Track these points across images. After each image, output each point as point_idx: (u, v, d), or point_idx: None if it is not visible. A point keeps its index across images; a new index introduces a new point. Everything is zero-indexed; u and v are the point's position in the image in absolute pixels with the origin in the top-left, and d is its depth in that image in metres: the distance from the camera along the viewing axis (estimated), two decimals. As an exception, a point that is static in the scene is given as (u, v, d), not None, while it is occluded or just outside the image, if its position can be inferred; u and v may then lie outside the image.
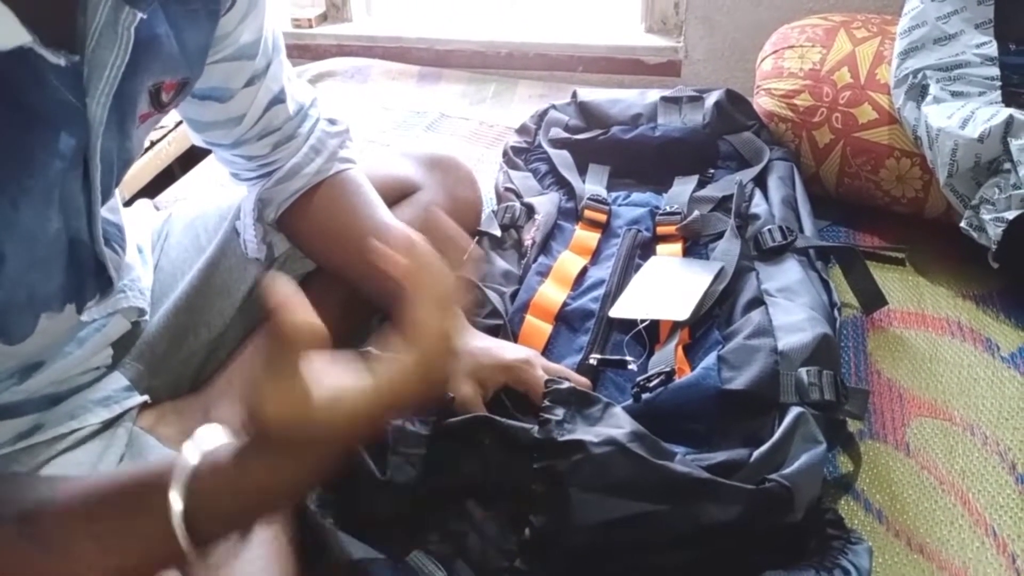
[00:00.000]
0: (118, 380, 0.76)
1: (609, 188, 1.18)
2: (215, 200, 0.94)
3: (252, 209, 0.85)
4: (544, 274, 1.00)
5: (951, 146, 1.04)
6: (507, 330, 0.90)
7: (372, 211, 0.87)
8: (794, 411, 0.73)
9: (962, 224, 1.04)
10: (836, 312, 0.93)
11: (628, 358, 0.88)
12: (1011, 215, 0.97)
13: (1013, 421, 0.87)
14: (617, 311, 0.92)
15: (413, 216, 0.95)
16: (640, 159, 1.20)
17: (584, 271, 1.02)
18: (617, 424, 0.69)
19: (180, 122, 1.56)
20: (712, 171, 1.18)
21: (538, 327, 0.93)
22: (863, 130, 1.18)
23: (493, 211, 1.11)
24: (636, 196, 1.15)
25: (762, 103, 1.27)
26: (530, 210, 1.10)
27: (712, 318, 0.91)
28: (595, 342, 0.91)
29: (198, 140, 0.84)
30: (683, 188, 1.14)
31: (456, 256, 0.51)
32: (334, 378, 0.46)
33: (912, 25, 1.16)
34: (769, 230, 0.99)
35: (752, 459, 0.69)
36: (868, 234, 1.19)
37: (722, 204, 1.08)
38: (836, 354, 0.84)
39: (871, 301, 1.01)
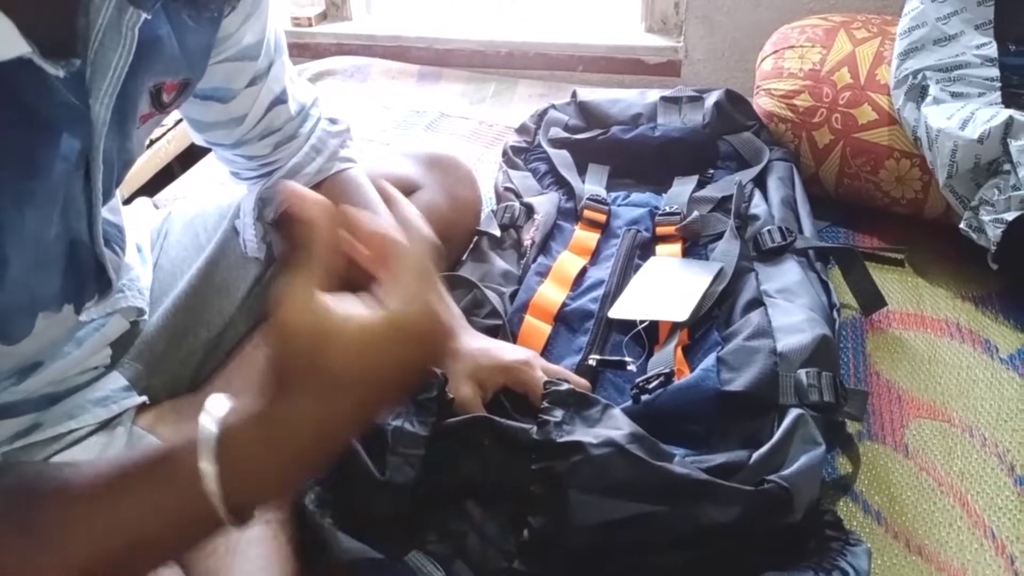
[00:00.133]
0: (117, 380, 0.76)
1: (609, 188, 1.18)
2: (215, 199, 0.94)
3: (252, 208, 0.85)
4: (543, 274, 1.00)
5: (951, 147, 1.04)
6: (506, 330, 0.90)
7: (372, 210, 0.87)
8: (793, 412, 0.73)
9: (961, 225, 1.04)
10: (835, 313, 0.93)
11: (627, 359, 0.88)
12: (1010, 216, 0.97)
13: (1012, 423, 0.87)
14: (616, 312, 0.92)
15: (413, 215, 0.95)
16: (640, 159, 1.20)
17: (583, 271, 1.02)
18: (616, 425, 0.69)
19: (180, 121, 1.56)
20: (712, 171, 1.18)
21: (537, 327, 0.93)
22: (863, 131, 1.18)
23: (492, 211, 1.11)
24: (635, 196, 1.15)
25: (762, 103, 1.27)
26: (529, 210, 1.09)
27: (711, 319, 0.91)
28: (594, 343, 0.91)
29: (199, 140, 0.84)
30: (683, 188, 1.14)
31: (418, 239, 0.49)
32: (345, 305, 0.44)
33: (912, 26, 1.16)
34: (768, 231, 1.00)
35: (751, 460, 0.70)
36: (867, 235, 1.19)
37: (722, 204, 1.08)
38: (835, 355, 0.84)
39: (870, 302, 1.01)
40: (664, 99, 1.26)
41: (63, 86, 0.51)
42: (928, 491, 0.81)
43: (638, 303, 0.93)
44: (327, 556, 0.68)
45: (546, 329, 0.93)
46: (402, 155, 1.04)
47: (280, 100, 0.81)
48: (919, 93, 1.12)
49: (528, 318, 0.94)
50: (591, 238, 1.08)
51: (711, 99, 1.24)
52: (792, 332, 0.81)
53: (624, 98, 1.28)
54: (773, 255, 0.97)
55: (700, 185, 1.15)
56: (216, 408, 0.46)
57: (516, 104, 1.67)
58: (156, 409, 0.77)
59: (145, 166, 1.51)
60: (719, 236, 1.02)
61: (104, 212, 0.65)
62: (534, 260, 1.03)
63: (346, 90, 1.75)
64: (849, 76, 1.21)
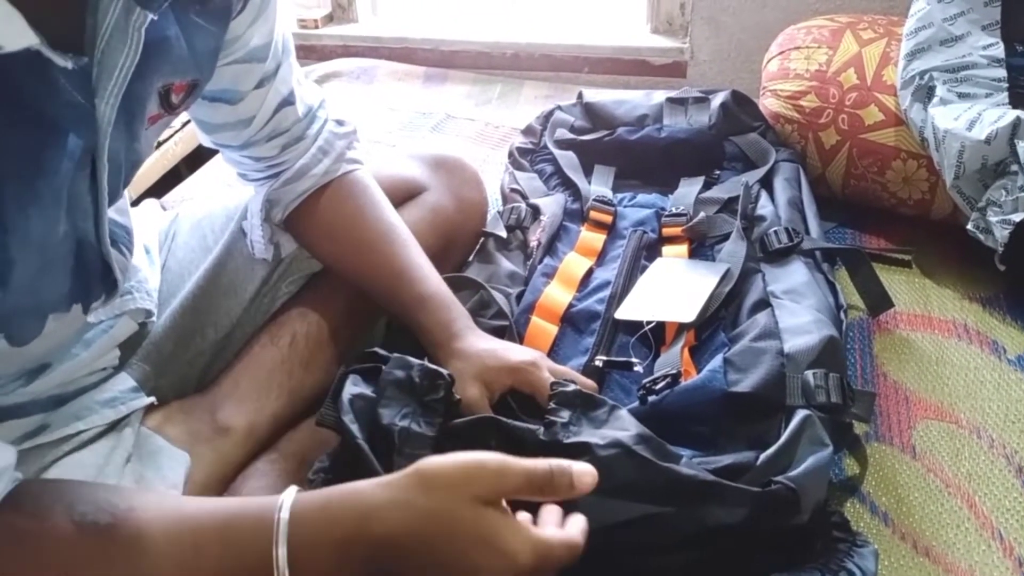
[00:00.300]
0: (124, 381, 0.77)
1: (615, 189, 1.18)
2: (222, 200, 0.94)
3: (259, 209, 0.85)
4: (550, 275, 1.00)
5: (958, 148, 1.04)
6: (513, 331, 0.90)
7: (379, 212, 0.87)
8: (800, 414, 0.73)
9: (969, 226, 1.04)
10: (842, 314, 0.93)
11: (634, 360, 0.88)
12: (1018, 217, 0.97)
13: (1020, 424, 0.87)
14: (623, 313, 0.92)
15: (419, 217, 0.95)
16: (646, 160, 1.20)
17: (590, 272, 1.02)
18: (623, 426, 0.69)
19: (187, 122, 1.56)
20: (718, 172, 1.18)
21: (544, 328, 0.93)
22: (869, 131, 1.18)
23: (499, 212, 1.11)
24: (642, 197, 1.16)
25: (768, 104, 1.27)
26: (536, 211, 1.10)
27: (718, 320, 0.91)
28: (601, 344, 0.91)
29: (207, 141, 0.84)
30: (689, 189, 1.14)
31: None
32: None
33: (918, 27, 1.16)
34: (775, 232, 0.99)
35: (758, 462, 0.69)
36: (874, 236, 1.19)
37: (728, 205, 1.08)
38: (842, 356, 0.84)
39: (877, 303, 1.01)
40: (670, 100, 1.26)
41: (69, 85, 0.51)
42: (935, 492, 0.81)
43: (644, 304, 0.93)
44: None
45: (552, 330, 0.93)
46: (408, 156, 1.04)
47: (288, 102, 0.81)
48: (926, 94, 1.11)
49: (534, 319, 0.94)
50: (597, 239, 1.08)
51: (717, 100, 1.24)
52: (799, 333, 0.81)
53: (630, 99, 1.28)
54: (780, 256, 0.97)
55: (706, 186, 1.15)
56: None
57: (522, 105, 1.67)
58: (164, 410, 0.78)
59: (152, 168, 1.52)
60: (725, 237, 1.02)
61: (111, 213, 0.65)
62: (540, 261, 1.03)
63: (352, 92, 1.75)
64: (855, 77, 1.21)
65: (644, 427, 0.69)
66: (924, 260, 1.12)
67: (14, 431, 0.68)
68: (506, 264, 1.01)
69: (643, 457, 0.65)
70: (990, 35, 1.11)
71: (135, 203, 0.98)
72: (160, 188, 1.47)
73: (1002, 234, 0.98)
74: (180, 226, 0.92)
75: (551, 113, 1.30)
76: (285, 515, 0.51)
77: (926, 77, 1.12)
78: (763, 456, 0.70)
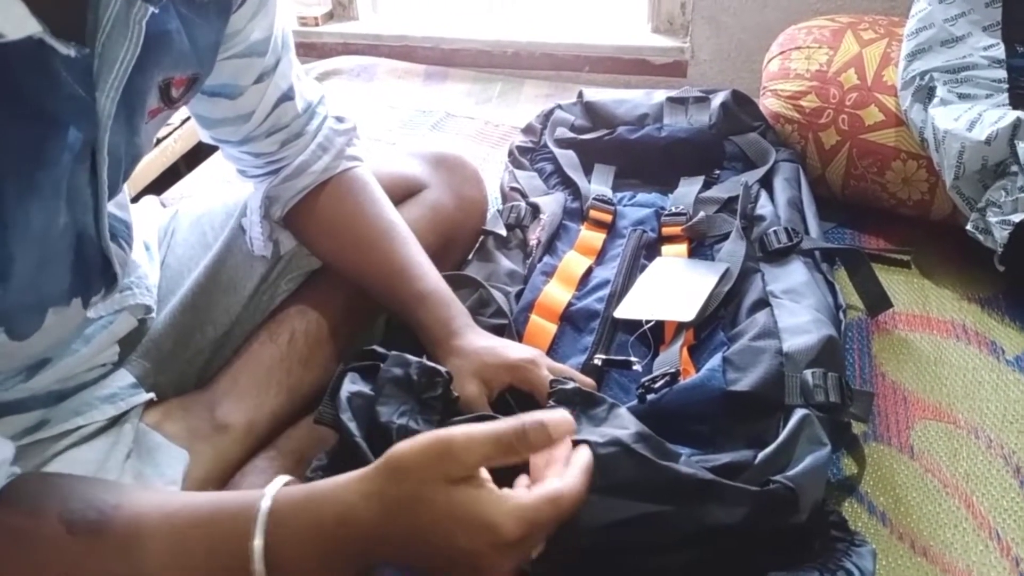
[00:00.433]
0: (124, 377, 0.77)
1: (615, 188, 1.18)
2: (221, 197, 0.94)
3: (259, 206, 0.85)
4: (549, 274, 1.00)
5: (958, 148, 1.04)
6: (512, 330, 0.90)
7: (379, 209, 0.87)
8: (799, 413, 0.73)
9: (968, 227, 1.04)
10: (841, 314, 0.93)
11: (633, 359, 0.88)
12: (1017, 218, 0.97)
13: (1018, 424, 0.87)
14: (622, 312, 0.92)
15: (419, 215, 0.95)
16: (646, 159, 1.20)
17: (589, 271, 1.02)
18: (622, 425, 0.68)
19: (187, 119, 1.56)
20: (718, 172, 1.18)
21: (543, 327, 0.93)
22: (869, 132, 1.18)
23: (498, 210, 1.11)
24: (641, 196, 1.16)
25: (768, 104, 1.27)
26: (535, 210, 1.10)
27: (717, 319, 0.91)
28: (600, 342, 0.91)
29: (206, 137, 0.84)
30: (689, 189, 1.14)
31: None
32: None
33: (919, 27, 1.16)
34: (775, 231, 0.99)
35: (757, 461, 0.69)
36: (874, 236, 1.19)
37: (728, 205, 1.08)
38: (841, 356, 0.84)
39: (876, 303, 1.01)
40: (670, 100, 1.26)
41: (70, 76, 0.51)
42: (933, 492, 0.81)
43: (644, 303, 0.93)
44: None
45: (552, 328, 0.93)
46: (408, 154, 1.04)
47: (287, 97, 0.81)
48: (926, 94, 1.12)
49: (534, 317, 0.94)
50: (597, 238, 1.08)
51: (717, 100, 1.24)
52: (798, 333, 0.81)
53: (630, 98, 1.28)
54: (779, 256, 0.97)
55: (706, 186, 1.15)
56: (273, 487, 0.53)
57: (522, 104, 1.67)
58: (163, 406, 0.78)
59: (152, 165, 1.52)
60: (725, 237, 1.02)
61: (111, 207, 0.65)
62: (540, 260, 1.03)
63: (352, 90, 1.75)
64: (856, 77, 1.21)
65: (643, 425, 0.69)
66: (923, 260, 1.12)
67: (14, 426, 0.68)
68: (506, 262, 1.01)
69: (642, 455, 0.65)
70: (991, 36, 1.12)
71: (134, 200, 0.97)
72: (159, 185, 1.47)
73: (1001, 235, 0.98)
74: (179, 223, 0.92)
75: (551, 112, 1.30)
76: (266, 504, 0.51)
77: (926, 78, 1.12)
78: (761, 455, 0.70)
